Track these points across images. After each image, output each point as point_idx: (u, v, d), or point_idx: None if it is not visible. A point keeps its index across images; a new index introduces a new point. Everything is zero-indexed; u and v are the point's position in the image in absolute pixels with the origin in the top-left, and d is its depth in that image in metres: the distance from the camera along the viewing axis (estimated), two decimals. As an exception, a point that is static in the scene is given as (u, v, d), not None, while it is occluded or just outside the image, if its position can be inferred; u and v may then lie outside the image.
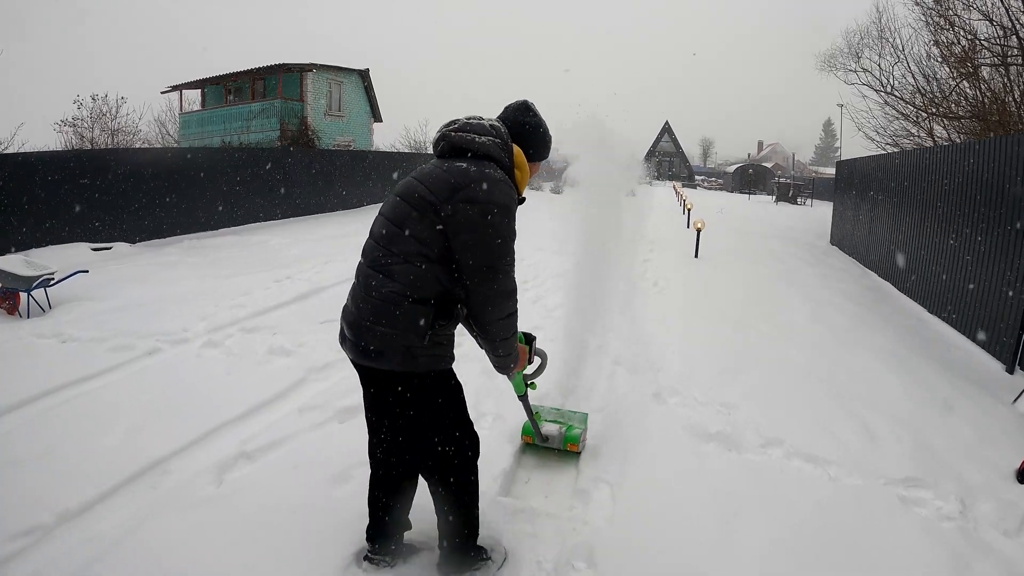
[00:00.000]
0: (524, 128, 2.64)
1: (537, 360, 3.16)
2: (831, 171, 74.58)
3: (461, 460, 2.61)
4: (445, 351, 2.49)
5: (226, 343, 6.01)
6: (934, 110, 15.69)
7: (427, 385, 2.46)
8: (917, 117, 16.76)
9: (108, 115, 23.75)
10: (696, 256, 11.57)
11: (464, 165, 2.36)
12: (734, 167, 62.51)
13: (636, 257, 10.20)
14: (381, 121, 33.37)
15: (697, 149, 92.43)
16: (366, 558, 2.80)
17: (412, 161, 26.36)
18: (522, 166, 2.57)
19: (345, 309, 2.50)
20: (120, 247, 11.85)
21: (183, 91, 33.53)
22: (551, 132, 2.75)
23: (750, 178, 53.29)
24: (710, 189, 56.26)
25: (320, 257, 10.81)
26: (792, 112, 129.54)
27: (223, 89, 31.49)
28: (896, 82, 17.50)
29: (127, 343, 5.83)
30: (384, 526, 2.78)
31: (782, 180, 42.90)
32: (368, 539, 2.83)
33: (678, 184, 43.95)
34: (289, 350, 5.76)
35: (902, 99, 17.36)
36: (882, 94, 18.25)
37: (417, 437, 2.58)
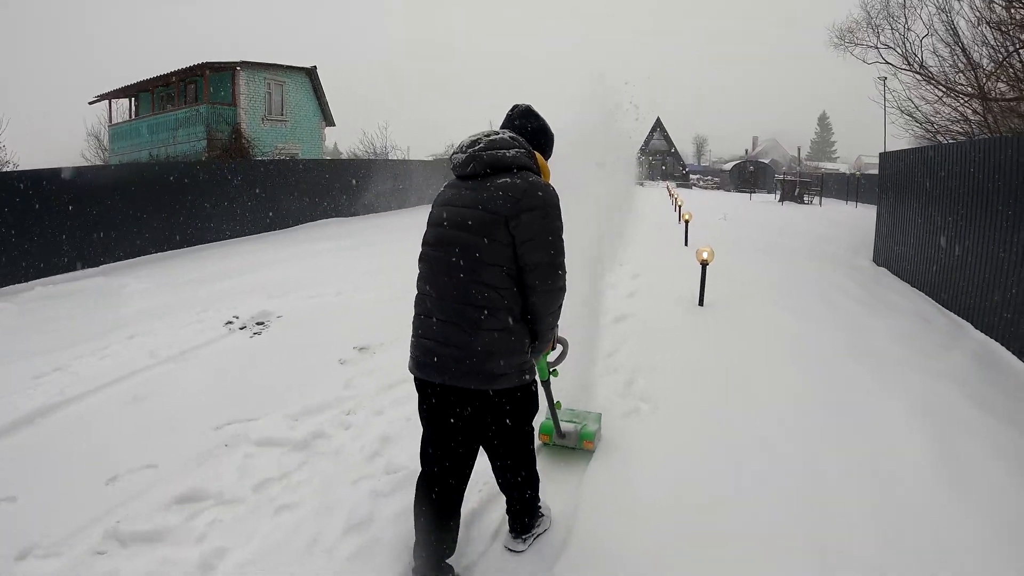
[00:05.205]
0: (533, 132, 2.88)
1: (559, 347, 3.23)
2: (832, 166, 72.58)
3: (531, 451, 3.00)
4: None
5: None
6: (974, 90, 12.54)
7: (529, 393, 2.83)
8: (969, 98, 13.45)
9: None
10: (701, 304, 7.65)
11: (509, 179, 2.57)
12: (731, 164, 59.12)
13: (604, 314, 6.04)
14: (333, 125, 29.67)
15: (691, 147, 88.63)
16: None
17: (365, 169, 22.61)
18: (545, 170, 2.82)
19: (435, 344, 2.60)
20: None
21: (112, 100, 29.96)
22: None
23: (750, 176, 49.85)
24: (706, 188, 52.95)
25: (134, 326, 7.31)
26: (785, 106, 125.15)
27: (152, 96, 27.81)
28: (937, 58, 14.26)
29: None
30: (437, 550, 2.85)
31: (787, 178, 39.13)
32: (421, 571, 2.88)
33: (671, 184, 40.42)
34: None
35: (934, 79, 14.16)
36: (914, 74, 15.04)
37: (506, 442, 2.86)
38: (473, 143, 2.68)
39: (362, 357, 5.92)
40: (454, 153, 2.75)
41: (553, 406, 3.80)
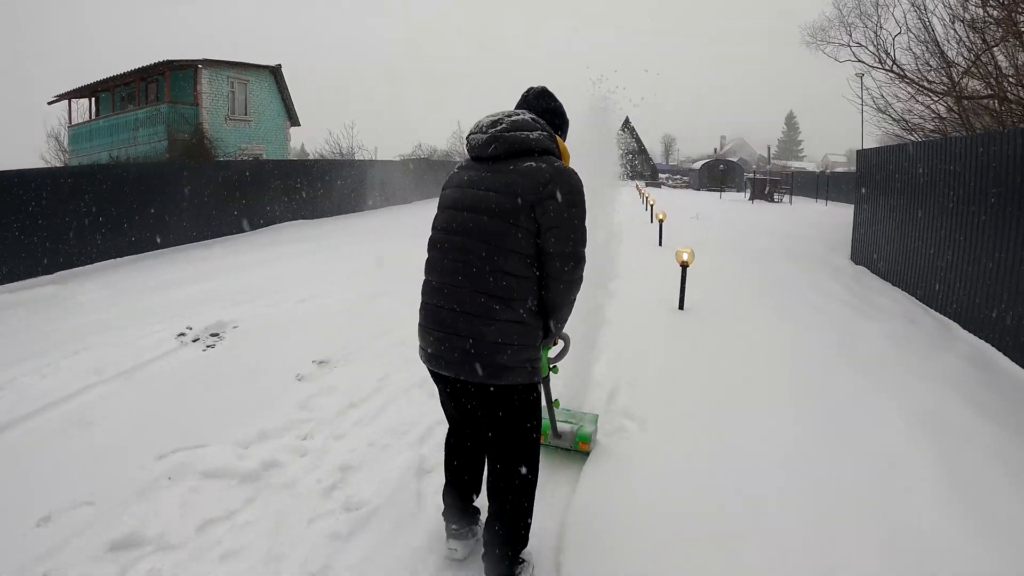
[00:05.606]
0: (551, 113, 2.75)
1: (560, 343, 3.07)
2: (799, 165, 73.19)
3: (530, 473, 2.68)
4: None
5: None
6: (947, 87, 12.48)
7: (535, 395, 2.63)
8: (942, 96, 13.37)
9: None
10: (681, 308, 7.35)
11: (533, 163, 2.46)
12: (700, 163, 59.18)
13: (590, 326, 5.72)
14: (299, 125, 29.02)
15: (659, 147, 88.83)
16: (451, 535, 2.95)
17: (332, 169, 22.09)
18: (565, 152, 2.68)
19: (444, 335, 2.49)
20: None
21: (72, 100, 29.03)
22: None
23: (720, 174, 49.90)
24: (675, 188, 52.99)
25: (83, 339, 6.73)
26: (752, 106, 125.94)
27: (112, 95, 26.97)
28: (911, 55, 14.17)
29: None
30: (463, 492, 2.95)
31: (758, 176, 39.18)
32: (450, 516, 2.96)
33: (640, 184, 40.32)
34: None
35: (907, 76, 14.07)
36: (887, 72, 14.95)
37: (508, 446, 2.63)
38: (494, 123, 2.57)
39: (322, 372, 5.47)
40: (472, 133, 2.62)
41: (551, 404, 3.64)
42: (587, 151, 4.50)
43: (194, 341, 6.43)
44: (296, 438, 4.19)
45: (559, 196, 2.41)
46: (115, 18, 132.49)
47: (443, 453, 3.01)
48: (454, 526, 2.94)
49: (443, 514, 2.98)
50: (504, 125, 2.53)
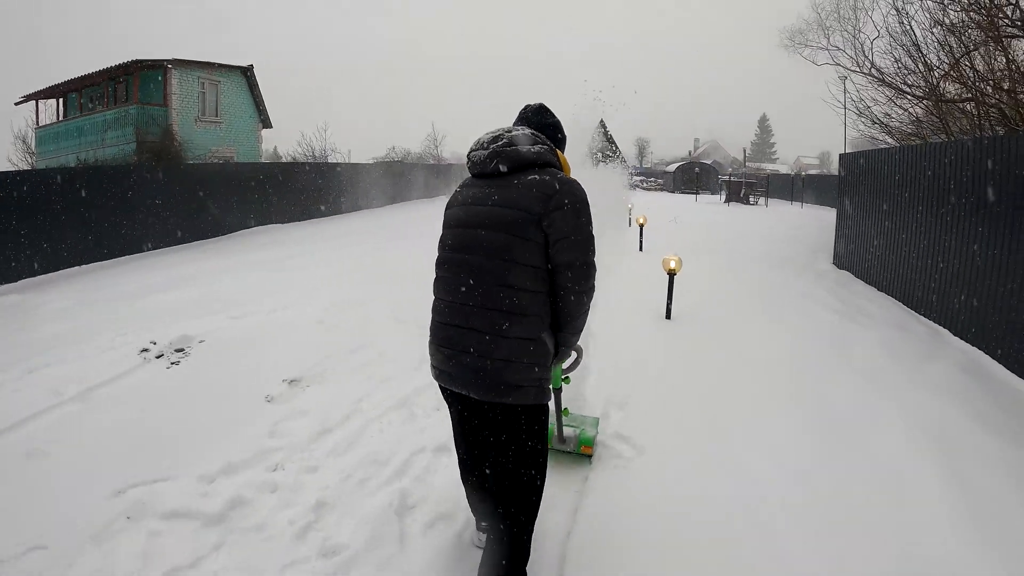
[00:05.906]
0: (549, 128, 2.77)
1: (573, 353, 2.95)
2: (773, 167, 73.59)
3: (535, 495, 2.66)
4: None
5: None
6: (924, 91, 12.47)
7: (543, 416, 2.60)
8: (920, 99, 13.35)
9: None
10: (668, 317, 7.14)
11: (537, 176, 2.47)
12: (675, 166, 59.25)
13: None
14: (271, 127, 28.51)
15: (632, 149, 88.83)
16: (482, 531, 3.06)
17: (303, 172, 21.69)
18: (565, 165, 2.70)
19: (455, 352, 2.49)
20: None
21: (40, 100, 28.35)
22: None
23: (695, 177, 49.97)
24: (649, 190, 53.02)
25: (41, 355, 6.28)
26: (724, 109, 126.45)
27: (80, 96, 26.35)
28: (890, 58, 14.15)
29: None
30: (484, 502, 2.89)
31: (733, 179, 39.28)
32: (478, 515, 3.06)
33: (618, 186, 40.22)
34: None
35: (885, 80, 14.04)
36: (865, 75, 14.91)
37: (511, 467, 2.58)
38: (495, 139, 2.58)
39: (293, 392, 5.11)
40: (472, 151, 2.63)
41: (560, 412, 3.82)
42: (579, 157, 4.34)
43: (158, 357, 6.06)
44: (266, 470, 3.84)
45: (566, 207, 2.42)
46: (113, 17, 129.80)
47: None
48: (484, 523, 3.01)
49: (471, 511, 3.10)
50: (505, 140, 2.54)
